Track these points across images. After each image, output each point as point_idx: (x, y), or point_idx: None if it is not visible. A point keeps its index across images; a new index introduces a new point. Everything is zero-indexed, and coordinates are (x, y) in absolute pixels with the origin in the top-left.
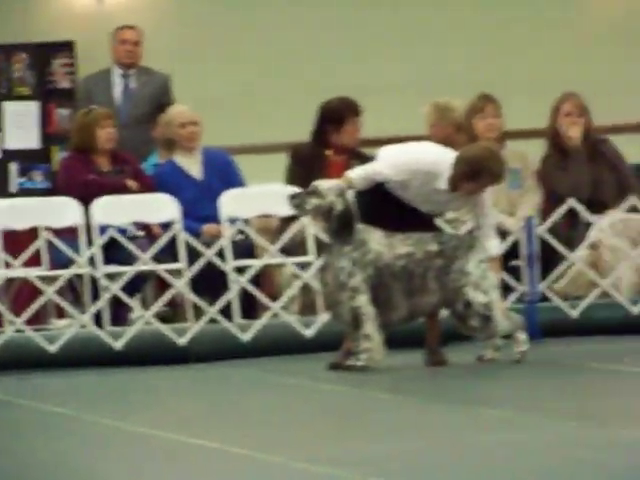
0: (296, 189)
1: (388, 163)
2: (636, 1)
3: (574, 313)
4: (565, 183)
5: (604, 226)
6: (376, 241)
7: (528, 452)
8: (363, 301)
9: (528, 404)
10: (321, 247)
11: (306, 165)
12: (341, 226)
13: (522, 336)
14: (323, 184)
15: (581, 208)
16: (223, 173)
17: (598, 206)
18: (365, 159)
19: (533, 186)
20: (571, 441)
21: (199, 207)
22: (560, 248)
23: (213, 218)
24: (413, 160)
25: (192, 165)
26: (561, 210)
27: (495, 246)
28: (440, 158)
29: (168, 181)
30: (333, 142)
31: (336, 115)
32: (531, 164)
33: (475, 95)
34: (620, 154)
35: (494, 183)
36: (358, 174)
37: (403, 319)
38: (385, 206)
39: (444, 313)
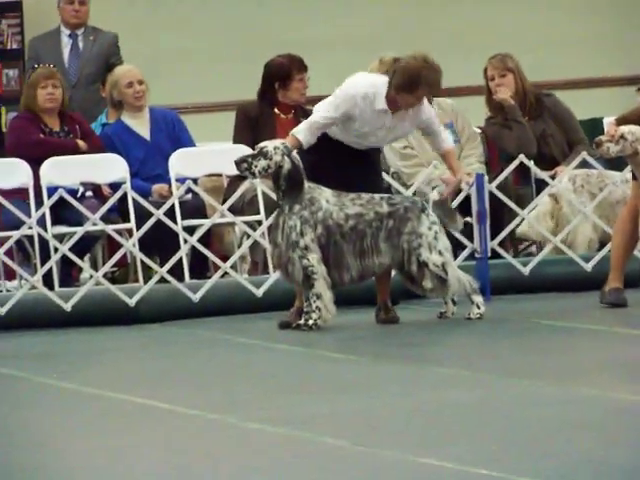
0: (243, 150)
1: (326, 105)
2: None
3: (525, 270)
4: (511, 141)
5: (564, 180)
6: (325, 200)
7: (481, 410)
8: (314, 260)
9: (480, 362)
10: (270, 206)
11: (254, 124)
12: (290, 185)
13: (478, 298)
14: (269, 144)
15: (530, 164)
16: (171, 132)
17: (547, 162)
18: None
19: (472, 137)
20: (524, 399)
21: (148, 167)
22: (511, 204)
23: (162, 178)
24: (350, 87)
25: (140, 125)
26: (511, 167)
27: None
28: (375, 79)
29: (117, 141)
30: (280, 100)
31: (282, 72)
32: (461, 115)
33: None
34: (567, 108)
35: (431, 93)
36: (302, 128)
37: (354, 279)
38: (331, 166)
39: (394, 273)
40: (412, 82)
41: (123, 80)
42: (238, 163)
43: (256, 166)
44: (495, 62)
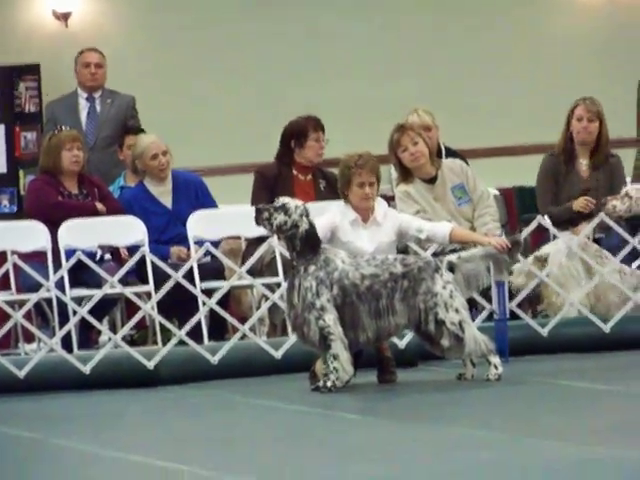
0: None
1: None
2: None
3: (544, 331)
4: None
5: (560, 243)
6: (341, 260)
7: (499, 471)
8: (330, 320)
9: (498, 422)
10: (289, 268)
11: (272, 185)
12: (305, 246)
13: (495, 359)
14: (290, 201)
15: (549, 224)
16: (194, 198)
17: (585, 217)
18: (331, 179)
19: (484, 195)
20: (543, 460)
21: (167, 234)
22: (530, 267)
23: (180, 241)
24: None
25: (163, 193)
26: (530, 228)
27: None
28: (326, 219)
29: (137, 205)
30: (297, 160)
31: (298, 130)
32: (471, 174)
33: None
34: (623, 175)
35: (369, 174)
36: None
37: (370, 340)
38: None
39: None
40: (346, 173)
41: (148, 152)
42: (260, 211)
43: (275, 218)
44: (589, 104)
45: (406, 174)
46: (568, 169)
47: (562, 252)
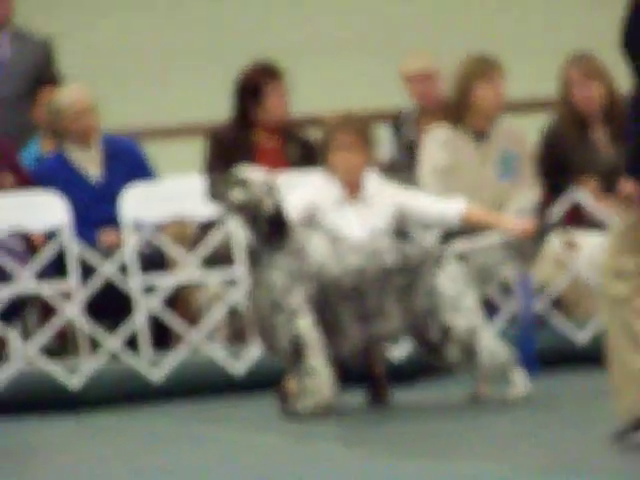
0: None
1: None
2: None
3: (580, 337)
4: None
5: (597, 238)
6: (318, 249)
7: None
8: (305, 326)
9: (521, 457)
10: (250, 257)
11: (229, 152)
12: (273, 230)
13: (517, 375)
14: (252, 174)
15: (589, 201)
16: (129, 167)
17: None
18: (307, 143)
19: (529, 178)
20: None
21: (96, 214)
22: (561, 252)
23: (111, 223)
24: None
25: (89, 162)
26: (562, 206)
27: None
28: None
29: (56, 180)
30: (258, 120)
31: (251, 84)
32: (528, 150)
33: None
34: None
35: (355, 136)
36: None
37: (356, 350)
38: None
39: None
40: (326, 138)
41: (70, 110)
42: (214, 185)
43: (232, 194)
44: (584, 64)
45: (459, 115)
46: (580, 140)
47: (597, 247)
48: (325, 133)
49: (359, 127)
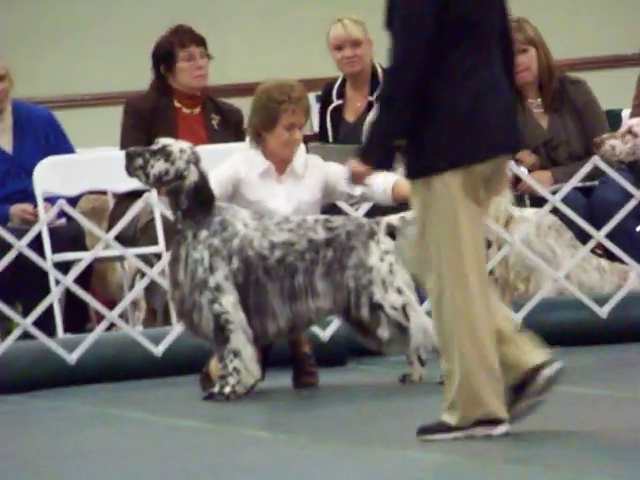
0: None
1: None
2: None
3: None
4: None
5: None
6: (243, 223)
7: None
8: (228, 304)
9: (457, 443)
10: (173, 234)
11: (148, 122)
12: (194, 204)
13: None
14: (174, 144)
15: (523, 173)
16: (43, 138)
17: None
18: (228, 113)
19: None
20: None
21: (8, 187)
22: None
23: (25, 197)
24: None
25: (0, 133)
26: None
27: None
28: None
29: None
30: (175, 88)
31: (164, 50)
32: None
33: None
34: (594, 101)
35: (303, 114)
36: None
37: (282, 330)
38: None
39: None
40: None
41: None
42: (131, 156)
43: (153, 166)
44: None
45: None
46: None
47: (530, 226)
48: (269, 102)
49: (307, 103)
